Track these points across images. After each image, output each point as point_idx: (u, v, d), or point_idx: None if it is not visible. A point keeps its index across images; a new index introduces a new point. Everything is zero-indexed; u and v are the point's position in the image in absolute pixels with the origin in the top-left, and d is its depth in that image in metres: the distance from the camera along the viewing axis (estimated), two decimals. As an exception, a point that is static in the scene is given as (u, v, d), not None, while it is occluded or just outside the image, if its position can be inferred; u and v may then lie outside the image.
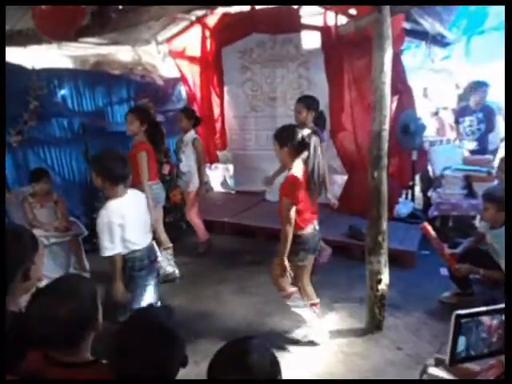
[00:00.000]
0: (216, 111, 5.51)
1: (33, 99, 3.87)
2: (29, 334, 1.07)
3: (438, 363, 1.47)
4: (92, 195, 4.34)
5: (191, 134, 3.90)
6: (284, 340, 2.65)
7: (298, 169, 2.24)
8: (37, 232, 3.44)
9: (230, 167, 6.06)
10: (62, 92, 4.26)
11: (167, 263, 3.61)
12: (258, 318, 2.97)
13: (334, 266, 3.51)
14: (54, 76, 4.15)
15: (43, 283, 3.40)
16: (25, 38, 3.45)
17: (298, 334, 2.66)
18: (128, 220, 2.19)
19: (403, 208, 4.21)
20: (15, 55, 3.88)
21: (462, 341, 1.18)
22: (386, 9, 1.97)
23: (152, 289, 2.34)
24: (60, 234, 3.59)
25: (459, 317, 1.19)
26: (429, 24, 3.48)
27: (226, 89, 5.38)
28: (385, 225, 2.22)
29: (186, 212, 4.08)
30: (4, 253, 1.20)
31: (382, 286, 2.31)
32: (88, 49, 4.62)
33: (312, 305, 2.56)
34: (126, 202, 2.22)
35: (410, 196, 4.57)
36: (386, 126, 2.10)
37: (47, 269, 3.51)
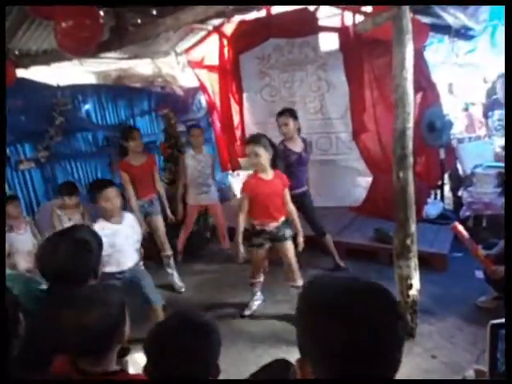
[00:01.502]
0: (236, 118, 5.52)
1: (58, 115, 3.99)
2: (57, 339, 1.07)
3: (479, 375, 1.37)
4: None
5: (205, 149, 4.17)
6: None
7: None
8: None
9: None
10: (86, 107, 4.38)
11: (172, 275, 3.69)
12: (287, 326, 2.90)
13: (360, 271, 3.40)
14: (77, 92, 4.29)
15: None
16: (49, 57, 3.58)
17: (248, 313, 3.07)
18: None
19: (432, 209, 4.05)
20: (41, 74, 4.03)
21: (501, 352, 1.08)
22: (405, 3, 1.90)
23: None
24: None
25: (495, 327, 1.09)
26: (451, 17, 3.34)
27: (244, 96, 5.39)
28: (413, 227, 2.12)
29: (218, 220, 4.18)
30: None
31: (413, 292, 2.20)
32: (110, 64, 4.74)
33: None
34: None
35: (439, 196, 4.40)
36: (410, 124, 2.02)
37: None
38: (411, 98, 1.99)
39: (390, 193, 3.34)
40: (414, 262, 2.15)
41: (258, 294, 3.21)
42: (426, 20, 3.59)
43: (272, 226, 2.85)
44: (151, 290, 2.61)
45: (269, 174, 2.81)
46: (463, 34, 4.03)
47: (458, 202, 4.39)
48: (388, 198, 3.27)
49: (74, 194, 3.59)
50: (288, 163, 3.30)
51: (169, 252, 3.65)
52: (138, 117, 4.85)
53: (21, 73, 3.57)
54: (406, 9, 1.91)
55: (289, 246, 2.90)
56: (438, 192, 4.40)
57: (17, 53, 3.69)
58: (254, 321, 3.05)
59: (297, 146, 3.49)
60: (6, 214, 3.38)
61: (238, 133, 5.57)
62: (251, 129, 5.47)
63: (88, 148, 4.39)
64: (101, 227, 2.37)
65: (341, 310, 0.66)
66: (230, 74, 5.33)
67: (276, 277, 3.41)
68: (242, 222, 2.84)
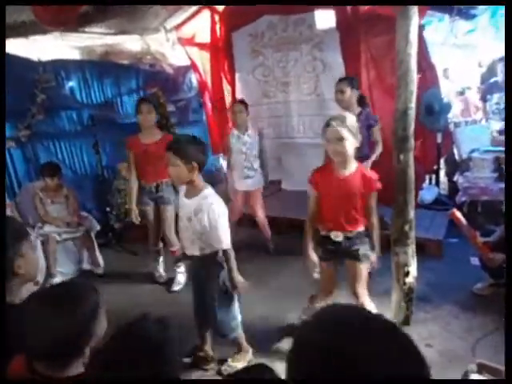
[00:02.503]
0: (228, 99, 5.33)
1: (40, 92, 3.79)
2: (16, 339, 0.95)
3: (481, 369, 1.29)
4: (104, 189, 4.27)
5: (251, 127, 3.66)
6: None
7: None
8: (49, 228, 3.43)
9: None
10: (70, 84, 4.17)
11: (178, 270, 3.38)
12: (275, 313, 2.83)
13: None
14: (61, 68, 4.06)
15: (57, 279, 3.35)
16: (28, 29, 3.36)
17: None
18: None
19: (427, 194, 3.98)
20: (20, 48, 3.79)
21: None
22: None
23: None
24: (72, 229, 3.53)
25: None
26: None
27: (237, 75, 5.19)
28: (412, 213, 2.03)
29: (255, 211, 3.78)
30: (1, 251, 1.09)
31: (410, 279, 2.12)
32: (95, 39, 4.49)
33: None
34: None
35: (434, 181, 4.32)
36: (413, 104, 1.90)
37: (60, 265, 3.49)
38: (415, 76, 1.87)
39: (386, 176, 3.29)
40: (411, 248, 2.07)
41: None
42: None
43: (341, 236, 2.18)
44: None
45: (347, 169, 2.06)
46: (465, 12, 3.87)
47: (453, 187, 4.33)
48: (384, 182, 3.18)
49: (57, 176, 3.44)
50: None
51: (175, 247, 3.29)
52: (126, 95, 4.64)
53: (-2, 46, 3.34)
54: (412, -23, 1.77)
55: (362, 267, 2.18)
56: (433, 177, 4.33)
57: (-7, 24, 3.45)
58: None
59: None
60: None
61: (229, 114, 5.39)
62: (243, 110, 5.30)
63: (72, 127, 4.19)
64: None
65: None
66: (222, 52, 5.12)
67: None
68: (309, 228, 2.27)
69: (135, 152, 3.18)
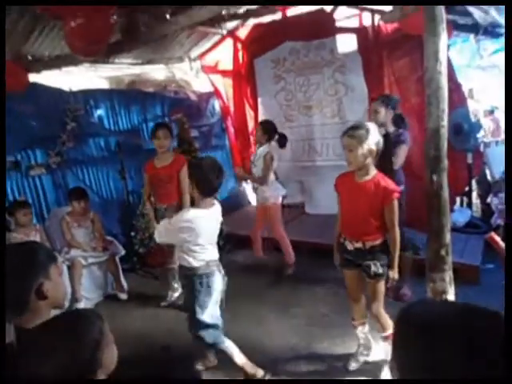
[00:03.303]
0: (250, 124, 5.39)
1: (70, 120, 3.93)
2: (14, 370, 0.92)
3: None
4: (129, 213, 4.32)
5: (264, 147, 3.65)
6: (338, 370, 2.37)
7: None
8: (75, 252, 3.46)
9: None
10: (99, 112, 4.31)
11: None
12: (302, 341, 2.70)
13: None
14: (90, 97, 4.22)
15: (81, 305, 3.33)
16: (61, 62, 3.52)
17: (354, 366, 2.36)
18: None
19: (460, 216, 3.81)
20: (54, 79, 3.99)
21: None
22: (438, -12, 1.73)
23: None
24: (97, 253, 3.55)
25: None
26: (480, 13, 3.15)
27: (259, 100, 5.26)
28: (448, 236, 1.92)
29: (272, 228, 3.75)
30: (15, 267, 1.10)
31: (449, 308, 1.98)
32: (123, 69, 4.69)
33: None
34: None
35: (465, 203, 4.15)
36: (445, 123, 1.83)
37: (85, 290, 3.48)
38: (446, 94, 1.81)
39: (415, 199, 3.16)
40: (448, 275, 1.95)
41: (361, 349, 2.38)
42: (450, 17, 3.40)
43: (355, 246, 2.16)
44: None
45: (365, 177, 2.07)
46: (490, 31, 3.81)
47: (486, 210, 4.13)
48: (412, 205, 3.07)
49: (83, 199, 3.51)
50: None
51: (174, 265, 3.30)
52: (151, 122, 4.75)
53: (33, 78, 3.51)
54: (440, -6, 1.74)
55: (374, 285, 2.15)
56: (465, 199, 4.15)
57: (30, 58, 3.65)
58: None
59: None
60: (16, 221, 3.30)
61: (252, 138, 5.43)
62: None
63: (99, 153, 4.31)
64: None
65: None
66: (245, 78, 5.22)
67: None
68: (337, 232, 2.30)
69: (149, 175, 3.31)
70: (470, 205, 4.14)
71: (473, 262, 3.23)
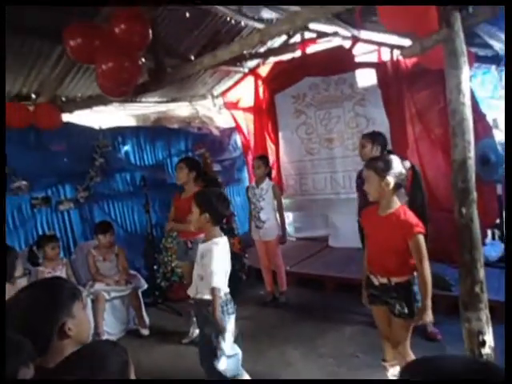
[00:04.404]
0: (271, 158, 5.44)
1: (99, 156, 4.09)
2: None
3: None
4: (152, 247, 4.36)
5: (267, 181, 3.86)
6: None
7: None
8: (99, 286, 3.49)
9: (289, 214, 5.85)
10: (125, 148, 4.47)
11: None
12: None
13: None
14: (118, 134, 4.40)
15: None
16: (92, 102, 3.72)
17: None
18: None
19: (492, 250, 3.64)
20: (85, 118, 4.20)
21: None
22: (458, 23, 1.75)
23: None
24: (121, 287, 3.56)
25: None
26: (501, 44, 3.15)
27: (280, 134, 5.34)
28: (482, 272, 1.82)
29: (273, 260, 3.91)
30: (37, 306, 1.10)
31: (487, 350, 1.84)
32: (149, 107, 4.90)
33: None
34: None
35: (497, 236, 3.97)
36: (472, 154, 1.79)
37: (107, 324, 3.47)
38: (471, 125, 1.78)
39: (441, 232, 3.06)
40: (485, 313, 1.83)
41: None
42: (471, 50, 3.42)
43: (381, 281, 2.10)
44: None
45: (387, 210, 2.04)
46: None
47: (520, 243, 3.93)
48: (440, 238, 2.97)
49: (108, 232, 3.58)
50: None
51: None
52: (175, 157, 4.88)
53: (66, 117, 3.71)
54: (459, 29, 1.76)
55: (398, 323, 2.07)
56: (496, 231, 3.98)
57: (63, 99, 3.88)
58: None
59: None
60: (44, 255, 3.38)
61: (273, 172, 5.45)
62: (287, 167, 5.38)
63: (125, 188, 4.42)
64: None
65: None
66: (266, 113, 5.34)
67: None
68: (364, 263, 2.25)
69: (175, 206, 3.42)
70: (502, 238, 3.96)
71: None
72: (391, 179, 1.97)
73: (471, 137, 1.80)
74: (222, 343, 2.12)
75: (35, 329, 1.08)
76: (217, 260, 2.12)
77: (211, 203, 2.18)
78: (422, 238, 1.95)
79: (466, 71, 1.78)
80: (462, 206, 1.80)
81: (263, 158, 3.98)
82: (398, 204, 2.05)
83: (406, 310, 2.02)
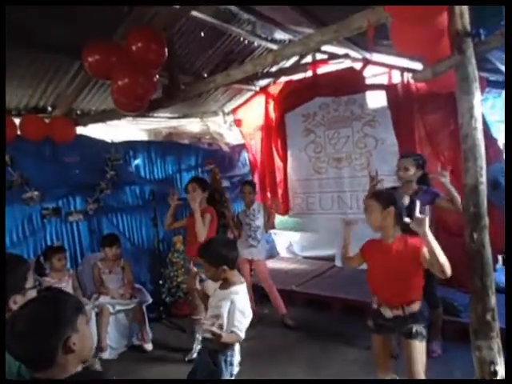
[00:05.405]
0: (279, 176, 5.46)
1: (110, 169, 4.14)
2: None
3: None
4: (159, 261, 4.35)
5: (256, 202, 4.12)
6: None
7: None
8: (103, 299, 3.48)
9: (296, 232, 5.83)
10: (136, 162, 4.52)
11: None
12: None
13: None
14: (129, 147, 4.46)
15: (106, 354, 3.28)
16: (106, 116, 3.80)
17: None
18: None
19: (503, 276, 3.55)
20: (99, 131, 4.27)
21: None
22: (470, 49, 1.77)
23: None
24: (125, 301, 3.55)
25: None
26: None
27: (289, 152, 5.37)
28: (493, 299, 1.78)
29: (264, 281, 3.99)
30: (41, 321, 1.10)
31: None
32: (161, 122, 4.98)
33: None
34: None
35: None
36: (483, 179, 1.78)
37: (110, 338, 3.44)
38: (483, 150, 1.78)
39: (451, 256, 3.01)
40: (496, 342, 1.78)
41: None
42: (481, 75, 3.44)
43: (395, 314, 2.11)
44: None
45: (390, 239, 2.11)
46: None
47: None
48: (450, 263, 2.92)
49: (115, 245, 3.59)
50: None
51: (199, 316, 3.23)
52: (185, 172, 4.93)
53: (80, 130, 3.79)
54: (472, 55, 1.78)
55: (416, 346, 2.05)
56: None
57: (78, 112, 3.97)
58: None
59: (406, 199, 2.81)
60: (51, 266, 3.39)
61: (279, 191, 5.45)
62: (294, 185, 5.37)
63: (134, 201, 4.45)
64: None
65: None
66: (275, 131, 5.38)
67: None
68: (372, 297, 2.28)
69: (186, 225, 3.49)
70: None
71: (521, 328, 2.95)
72: (392, 209, 2.06)
73: (483, 161, 1.79)
74: None
75: (41, 344, 1.08)
76: (240, 312, 1.96)
77: (221, 256, 2.01)
78: (425, 250, 1.99)
79: (477, 96, 1.79)
80: (473, 231, 1.79)
81: (251, 183, 4.25)
82: (399, 232, 2.12)
83: (424, 332, 2.07)
